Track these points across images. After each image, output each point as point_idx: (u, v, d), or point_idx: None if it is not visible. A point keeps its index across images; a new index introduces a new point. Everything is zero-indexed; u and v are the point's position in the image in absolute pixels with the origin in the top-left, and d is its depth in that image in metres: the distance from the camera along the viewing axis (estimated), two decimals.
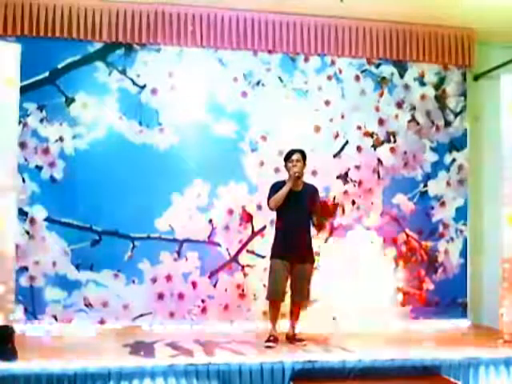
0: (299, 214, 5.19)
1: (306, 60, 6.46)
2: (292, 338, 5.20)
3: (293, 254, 5.16)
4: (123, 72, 6.10)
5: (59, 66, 5.97)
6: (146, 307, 5.96)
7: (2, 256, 4.56)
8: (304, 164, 5.29)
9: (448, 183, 6.69)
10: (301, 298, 5.26)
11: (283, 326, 5.37)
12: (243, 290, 6.12)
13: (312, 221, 5.31)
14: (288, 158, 5.30)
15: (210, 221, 6.17)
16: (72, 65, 5.99)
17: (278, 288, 5.17)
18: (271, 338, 5.11)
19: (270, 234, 5.53)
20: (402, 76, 6.67)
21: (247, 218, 6.09)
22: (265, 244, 5.79)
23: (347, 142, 6.51)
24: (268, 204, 5.32)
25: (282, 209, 5.23)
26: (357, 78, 6.57)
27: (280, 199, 5.19)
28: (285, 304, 5.34)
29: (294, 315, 5.30)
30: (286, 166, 5.33)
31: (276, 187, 5.28)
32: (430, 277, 6.58)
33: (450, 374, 4.60)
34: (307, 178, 5.53)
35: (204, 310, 6.07)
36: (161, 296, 6.01)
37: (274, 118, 6.34)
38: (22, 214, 5.73)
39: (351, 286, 6.38)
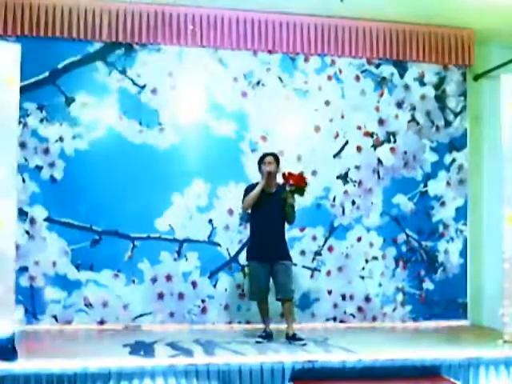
0: (273, 214, 5.24)
1: (306, 60, 6.46)
2: (291, 338, 5.20)
3: (270, 254, 5.23)
4: (123, 72, 6.10)
5: (59, 66, 5.97)
6: (146, 307, 5.97)
7: (2, 256, 4.55)
8: (277, 166, 5.37)
9: (448, 183, 6.69)
10: (284, 295, 5.26)
11: (284, 326, 5.37)
12: (243, 290, 6.13)
13: (285, 216, 5.28)
14: (261, 160, 5.41)
15: (210, 221, 6.17)
16: (72, 65, 6.00)
17: (258, 289, 5.30)
18: (263, 335, 5.25)
19: None
20: (402, 76, 6.67)
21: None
22: None
23: (347, 142, 6.51)
24: (242, 205, 5.41)
25: (256, 210, 5.33)
26: (357, 78, 6.57)
27: (253, 199, 5.27)
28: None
29: (286, 313, 5.32)
30: (259, 168, 5.41)
31: (250, 189, 5.37)
32: (429, 277, 6.58)
33: (450, 374, 4.59)
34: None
35: (204, 309, 6.07)
36: (161, 296, 6.01)
37: (274, 118, 6.35)
38: (22, 214, 5.73)
39: (351, 285, 6.39)
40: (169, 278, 6.03)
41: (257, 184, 5.38)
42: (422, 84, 6.71)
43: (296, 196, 5.26)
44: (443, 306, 6.54)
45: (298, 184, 5.19)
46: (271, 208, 5.24)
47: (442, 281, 6.59)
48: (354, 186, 6.49)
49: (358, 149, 6.52)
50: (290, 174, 5.24)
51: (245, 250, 6.09)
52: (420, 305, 6.52)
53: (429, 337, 5.85)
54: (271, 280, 5.31)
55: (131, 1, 5.97)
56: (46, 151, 5.91)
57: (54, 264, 5.82)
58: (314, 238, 6.33)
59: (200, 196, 6.16)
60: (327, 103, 6.48)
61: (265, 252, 5.24)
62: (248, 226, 6.08)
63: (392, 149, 6.60)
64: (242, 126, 6.29)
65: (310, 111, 6.44)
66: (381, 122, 6.59)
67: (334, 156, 6.48)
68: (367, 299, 6.41)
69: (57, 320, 5.79)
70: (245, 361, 4.43)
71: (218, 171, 6.16)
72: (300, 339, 5.15)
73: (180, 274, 6.06)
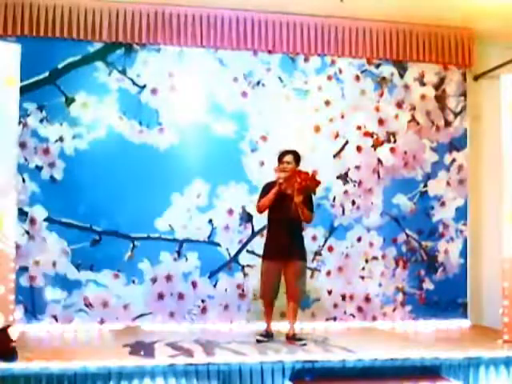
0: (289, 214, 5.17)
1: (306, 60, 6.46)
2: (292, 338, 5.19)
3: (284, 253, 5.19)
4: (123, 72, 6.10)
5: (59, 66, 5.97)
6: (146, 307, 5.97)
7: (2, 256, 4.56)
8: (297, 165, 5.28)
9: (448, 183, 6.69)
10: (293, 296, 5.25)
11: (284, 326, 5.37)
12: (243, 290, 6.13)
13: (300, 214, 5.21)
14: (280, 159, 5.32)
15: (210, 221, 6.17)
16: (72, 65, 5.99)
17: (269, 288, 5.25)
18: (264, 334, 5.24)
19: None
20: (401, 76, 6.67)
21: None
22: None
23: (347, 142, 6.51)
24: (256, 207, 5.38)
25: (272, 210, 5.29)
26: (357, 78, 6.57)
27: (267, 204, 5.25)
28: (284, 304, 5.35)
29: (291, 314, 5.30)
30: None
31: (266, 189, 5.32)
32: (429, 277, 6.58)
33: (449, 374, 4.60)
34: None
35: (204, 309, 6.07)
36: (161, 296, 6.01)
37: (273, 118, 6.34)
38: (22, 214, 5.73)
39: (351, 285, 6.39)
40: (169, 278, 6.03)
41: (273, 182, 5.30)
42: (422, 84, 6.71)
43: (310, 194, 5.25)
44: (443, 306, 6.53)
45: (302, 183, 5.13)
46: (286, 208, 5.15)
47: (441, 281, 6.59)
48: (354, 186, 6.49)
49: (358, 149, 6.52)
50: (298, 171, 5.20)
51: (245, 250, 6.13)
52: (420, 305, 6.52)
53: (429, 337, 5.85)
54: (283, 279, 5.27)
55: None
56: (46, 151, 5.91)
57: (54, 264, 5.82)
58: (314, 238, 6.33)
59: (200, 196, 6.15)
60: (327, 103, 6.48)
61: (277, 252, 5.20)
62: (248, 225, 6.13)
63: (392, 149, 6.60)
64: (242, 126, 6.29)
65: (310, 111, 6.44)
66: (381, 122, 6.59)
67: (334, 156, 6.48)
68: (367, 299, 6.41)
69: (57, 320, 5.78)
70: (245, 361, 4.43)
71: (218, 171, 6.16)
72: (300, 339, 5.14)
73: (180, 274, 6.06)
